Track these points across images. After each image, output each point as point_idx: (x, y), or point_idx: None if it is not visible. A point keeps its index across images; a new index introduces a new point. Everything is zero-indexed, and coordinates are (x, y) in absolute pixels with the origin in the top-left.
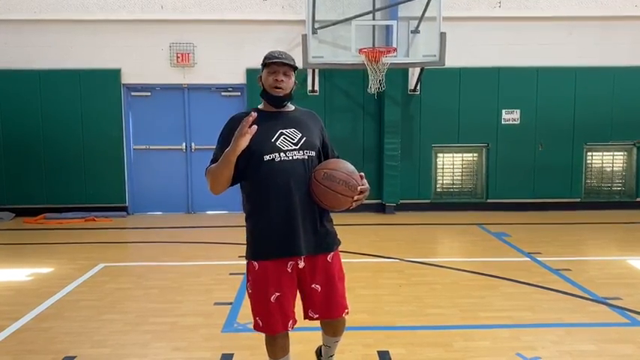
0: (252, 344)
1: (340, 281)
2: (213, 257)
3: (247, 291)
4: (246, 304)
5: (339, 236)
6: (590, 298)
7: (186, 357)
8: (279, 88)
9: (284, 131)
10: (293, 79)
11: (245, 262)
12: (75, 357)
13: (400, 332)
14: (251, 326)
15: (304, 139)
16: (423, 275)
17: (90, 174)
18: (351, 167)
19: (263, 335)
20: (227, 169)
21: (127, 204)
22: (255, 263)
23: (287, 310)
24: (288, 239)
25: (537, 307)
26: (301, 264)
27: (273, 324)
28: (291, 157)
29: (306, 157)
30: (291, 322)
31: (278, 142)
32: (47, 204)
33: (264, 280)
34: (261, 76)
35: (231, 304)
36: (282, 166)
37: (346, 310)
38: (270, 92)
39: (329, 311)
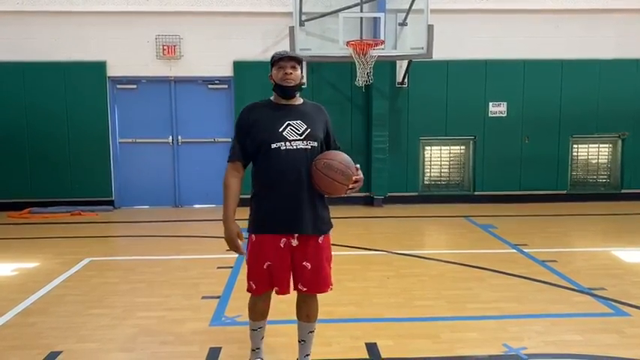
0: (240, 337)
1: (327, 262)
2: (201, 251)
3: (245, 259)
4: (235, 297)
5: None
6: (576, 288)
7: (174, 351)
8: (289, 79)
9: (291, 122)
10: (299, 71)
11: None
12: (61, 352)
13: (388, 324)
14: (239, 319)
15: (308, 130)
16: (411, 267)
17: (76, 168)
18: (348, 158)
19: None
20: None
21: (113, 198)
22: (254, 236)
23: (274, 276)
24: (288, 219)
25: (523, 298)
26: (294, 242)
27: (261, 286)
28: (295, 147)
29: (309, 147)
30: (276, 288)
31: (285, 132)
32: (32, 198)
33: (259, 250)
34: (271, 75)
35: (219, 297)
36: (287, 154)
37: (330, 287)
38: (281, 84)
39: (316, 287)
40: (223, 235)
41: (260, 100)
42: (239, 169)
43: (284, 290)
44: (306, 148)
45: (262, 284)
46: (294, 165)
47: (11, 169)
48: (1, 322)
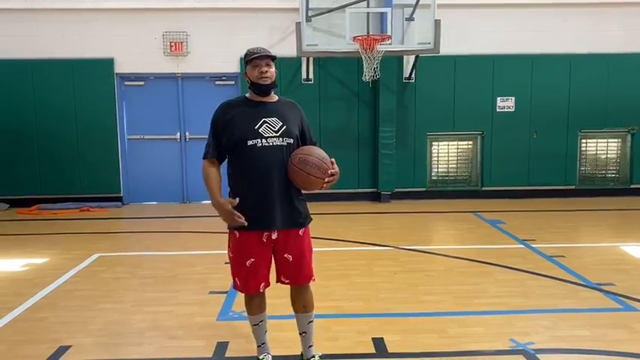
0: (247, 332)
1: (309, 253)
2: (208, 247)
3: (228, 255)
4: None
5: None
6: (584, 284)
7: (182, 345)
8: (265, 77)
9: (267, 120)
10: (274, 68)
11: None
12: (70, 346)
13: (395, 319)
14: (245, 314)
15: (284, 127)
16: (418, 263)
17: (84, 164)
18: (323, 153)
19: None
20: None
21: (121, 194)
22: (237, 232)
23: (259, 274)
24: (264, 215)
25: (531, 293)
26: (274, 235)
27: (247, 285)
28: (271, 144)
29: (285, 144)
30: (262, 284)
31: (261, 129)
32: (41, 194)
33: (242, 247)
34: (246, 72)
35: (226, 292)
36: (262, 151)
37: (313, 278)
38: (257, 82)
39: (298, 278)
40: (219, 216)
41: (236, 97)
42: (215, 165)
43: (266, 284)
44: (282, 145)
45: (248, 283)
46: (270, 161)
47: (20, 165)
48: (12, 317)
